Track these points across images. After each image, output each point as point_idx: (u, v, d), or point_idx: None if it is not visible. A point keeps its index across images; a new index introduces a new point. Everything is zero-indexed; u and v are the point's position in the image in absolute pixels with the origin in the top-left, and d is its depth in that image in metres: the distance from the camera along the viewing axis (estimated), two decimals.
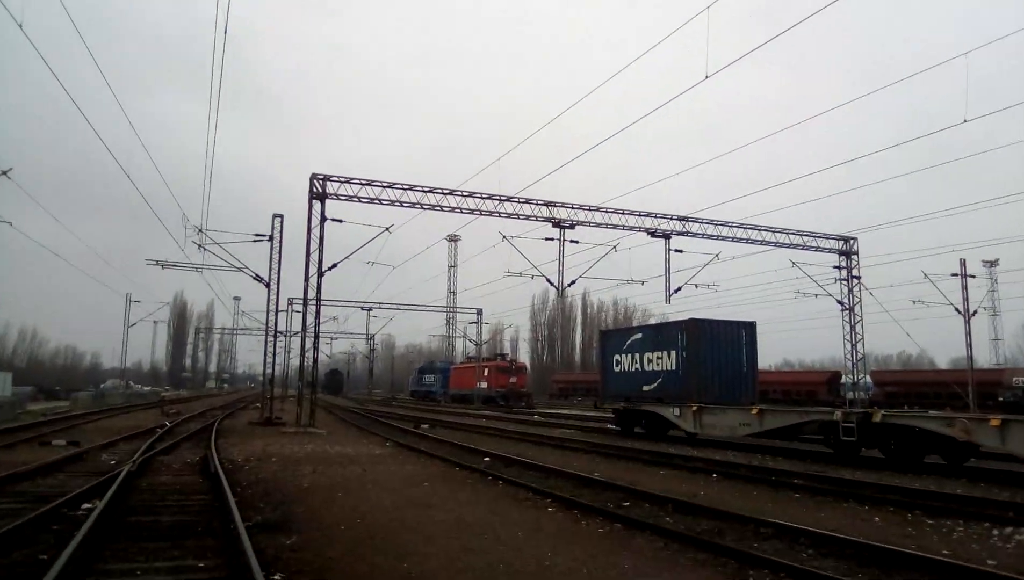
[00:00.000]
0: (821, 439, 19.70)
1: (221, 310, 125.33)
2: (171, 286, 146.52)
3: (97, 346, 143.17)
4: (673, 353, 25.49)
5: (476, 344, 70.31)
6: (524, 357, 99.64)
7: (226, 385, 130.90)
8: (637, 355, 27.39)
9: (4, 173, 24.42)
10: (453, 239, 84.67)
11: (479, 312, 70.95)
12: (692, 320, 25.30)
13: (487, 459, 18.36)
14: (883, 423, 17.54)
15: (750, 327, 25.58)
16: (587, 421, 36.12)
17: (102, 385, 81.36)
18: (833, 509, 11.69)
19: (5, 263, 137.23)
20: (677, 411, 24.42)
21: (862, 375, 62.64)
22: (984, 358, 78.96)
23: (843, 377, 61.04)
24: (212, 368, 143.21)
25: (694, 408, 23.47)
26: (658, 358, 26.26)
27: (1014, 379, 47.52)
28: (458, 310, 76.50)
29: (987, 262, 58.63)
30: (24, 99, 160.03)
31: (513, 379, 65.41)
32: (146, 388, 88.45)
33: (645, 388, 26.68)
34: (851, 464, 17.63)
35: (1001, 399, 43.66)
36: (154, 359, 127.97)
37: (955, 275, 40.80)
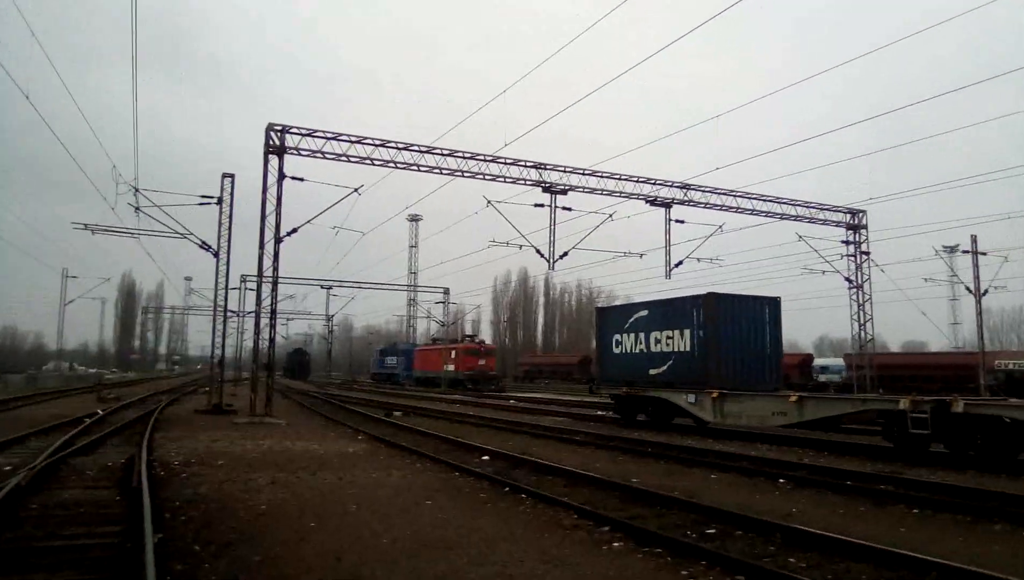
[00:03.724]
0: (880, 431, 16.91)
1: (171, 290, 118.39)
2: (119, 264, 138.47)
3: (40, 327, 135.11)
4: (687, 332, 22.35)
5: (443, 324, 66.80)
6: (486, 339, 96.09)
7: (177, 367, 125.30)
8: (642, 335, 24.18)
9: None
10: (414, 219, 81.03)
11: (446, 291, 67.49)
12: (711, 294, 22.14)
13: (486, 458, 15.12)
14: (964, 414, 14.66)
15: (774, 303, 22.61)
16: (571, 407, 33.11)
17: (44, 367, 76.23)
18: (993, 538, 8.57)
19: None
20: (692, 398, 21.39)
21: (837, 359, 61.14)
22: (937, 342, 78.66)
23: (815, 360, 59.52)
24: (163, 350, 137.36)
25: (715, 395, 20.43)
26: (668, 338, 23.10)
27: (996, 363, 45.74)
28: (422, 289, 72.71)
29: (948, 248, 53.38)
30: None
31: (482, 362, 62.05)
32: (90, 370, 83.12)
33: (652, 372, 23.51)
34: (922, 462, 14.88)
35: (983, 383, 41.69)
36: (101, 340, 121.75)
37: (965, 252, 38.51)
